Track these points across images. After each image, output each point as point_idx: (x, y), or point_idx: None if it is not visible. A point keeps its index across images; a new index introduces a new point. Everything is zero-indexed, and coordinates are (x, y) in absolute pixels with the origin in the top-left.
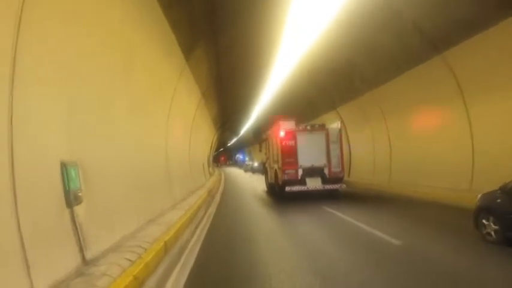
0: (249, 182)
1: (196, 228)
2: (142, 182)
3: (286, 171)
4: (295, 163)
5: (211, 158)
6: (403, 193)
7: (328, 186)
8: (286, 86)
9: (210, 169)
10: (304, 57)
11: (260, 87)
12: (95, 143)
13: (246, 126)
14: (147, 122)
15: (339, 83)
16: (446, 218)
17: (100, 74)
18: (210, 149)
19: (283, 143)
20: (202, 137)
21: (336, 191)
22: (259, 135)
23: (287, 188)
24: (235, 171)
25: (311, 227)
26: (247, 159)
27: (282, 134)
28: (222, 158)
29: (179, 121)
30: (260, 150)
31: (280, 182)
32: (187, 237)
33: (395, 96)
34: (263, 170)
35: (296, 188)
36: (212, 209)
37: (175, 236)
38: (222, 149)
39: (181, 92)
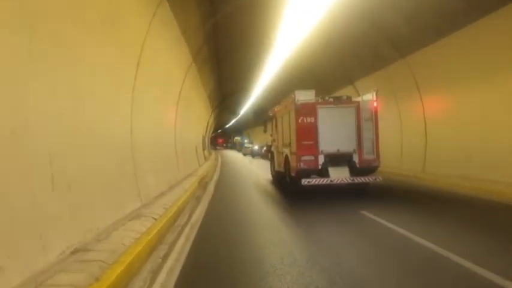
0: (250, 168)
1: (166, 257)
2: (74, 175)
3: (303, 158)
4: (314, 147)
5: (207, 140)
6: (446, 187)
7: (358, 179)
8: (294, 59)
9: (206, 152)
10: (318, 22)
11: (264, 60)
12: None
13: (247, 106)
14: (90, 79)
15: (360, 51)
16: None
17: None
18: (206, 129)
19: (300, 121)
20: (194, 115)
21: (365, 185)
22: (262, 115)
23: (304, 181)
24: (233, 155)
25: (351, 248)
26: (246, 141)
27: (298, 107)
28: (220, 140)
29: (156, 88)
30: (265, 131)
31: (293, 172)
32: None
33: (441, 64)
34: (268, 155)
35: (316, 180)
36: (200, 211)
37: None
38: (219, 131)
39: (157, 40)
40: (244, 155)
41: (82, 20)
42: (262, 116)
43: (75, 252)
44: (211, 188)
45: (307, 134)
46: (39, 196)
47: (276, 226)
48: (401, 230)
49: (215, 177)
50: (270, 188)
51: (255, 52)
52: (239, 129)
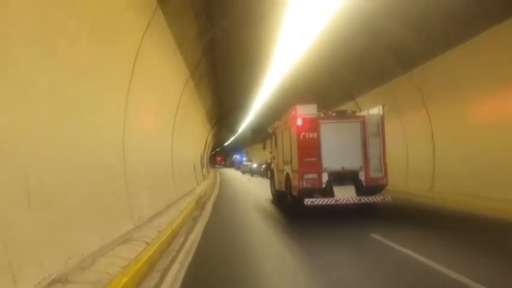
0: (248, 186)
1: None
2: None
3: (306, 176)
4: (318, 164)
5: (206, 158)
6: (458, 207)
7: (366, 199)
8: (292, 75)
9: (204, 170)
10: (316, 38)
11: (262, 76)
12: None
13: (245, 124)
14: (76, 88)
15: (362, 66)
16: None
17: None
18: (204, 147)
19: (302, 136)
20: (192, 132)
21: (371, 205)
22: (260, 132)
23: (306, 201)
24: (232, 173)
25: (365, 281)
26: (244, 159)
27: (299, 122)
28: (219, 159)
29: (152, 103)
30: (264, 148)
31: (295, 191)
32: None
33: (449, 76)
34: (268, 173)
35: (319, 200)
36: (196, 233)
37: None
38: (218, 149)
39: (152, 51)
40: (243, 173)
41: (65, 26)
42: (260, 134)
43: (52, 284)
44: (209, 207)
45: (310, 151)
46: (9, 216)
47: (279, 252)
48: (420, 257)
49: (213, 197)
50: (270, 208)
51: (253, 68)
52: (237, 148)
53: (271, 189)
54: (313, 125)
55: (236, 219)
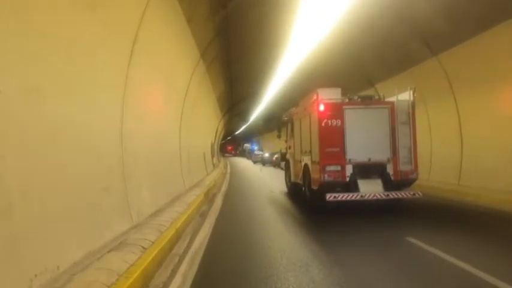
0: (261, 177)
1: None
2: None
3: (327, 168)
4: (341, 155)
5: (216, 147)
6: (496, 205)
7: (394, 194)
8: (309, 60)
9: (215, 160)
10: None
11: (276, 61)
12: None
13: (257, 112)
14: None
15: (383, 50)
16: None
17: None
18: (215, 135)
19: (324, 123)
20: (202, 119)
21: (397, 201)
22: (273, 121)
23: (329, 196)
24: (243, 162)
25: None
26: (256, 148)
27: (321, 108)
28: (229, 148)
29: (155, 85)
30: (279, 137)
31: (315, 185)
32: None
33: (480, 61)
34: (281, 163)
35: (343, 196)
36: (204, 233)
37: None
38: (229, 138)
39: (156, 26)
40: (254, 162)
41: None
42: (272, 123)
43: None
44: (218, 201)
45: (332, 140)
46: None
47: (302, 261)
48: (478, 272)
49: (224, 188)
50: (286, 202)
51: (267, 52)
52: (248, 137)
53: (286, 181)
54: (336, 111)
55: (249, 216)
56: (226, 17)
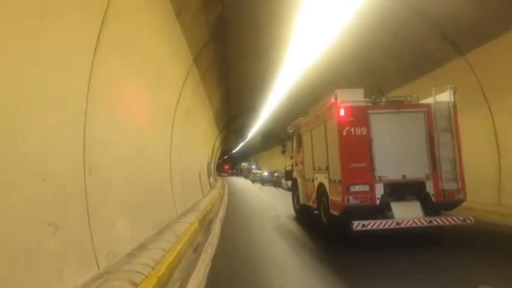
0: (262, 198)
1: None
2: None
3: (352, 189)
4: (368, 172)
5: (213, 166)
6: None
7: (439, 221)
8: (310, 73)
9: (211, 179)
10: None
11: (275, 74)
12: None
13: (255, 129)
14: None
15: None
16: None
17: None
18: (212, 154)
19: (345, 132)
20: (197, 135)
21: (441, 228)
22: (271, 138)
23: (356, 224)
24: (240, 182)
25: None
26: (253, 167)
27: (342, 113)
28: (226, 167)
29: (135, 87)
30: (283, 152)
31: (336, 210)
32: None
33: None
34: (287, 182)
35: (374, 224)
36: (198, 280)
37: None
38: (226, 157)
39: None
40: (253, 182)
41: None
42: (270, 140)
43: None
44: (216, 229)
45: (357, 153)
46: None
47: None
48: None
49: (222, 212)
50: (296, 229)
51: (267, 61)
52: (246, 155)
53: (293, 203)
54: (361, 116)
55: (256, 252)
56: (222, 18)
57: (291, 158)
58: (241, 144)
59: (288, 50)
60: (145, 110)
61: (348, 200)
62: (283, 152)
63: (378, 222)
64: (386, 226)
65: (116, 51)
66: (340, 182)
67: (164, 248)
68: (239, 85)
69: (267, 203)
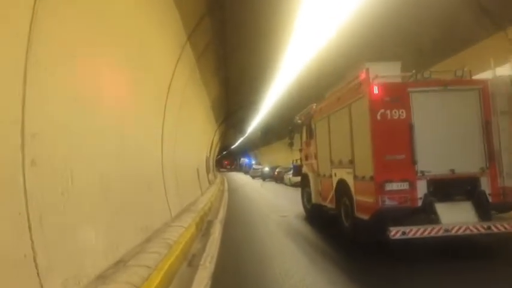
0: (264, 195)
1: None
2: None
3: (388, 187)
4: (408, 166)
5: (212, 162)
6: None
7: (500, 227)
8: (319, 59)
9: (210, 176)
10: None
11: (276, 65)
12: None
13: (255, 123)
14: None
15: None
16: None
17: None
18: (210, 149)
19: (379, 116)
20: (195, 127)
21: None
22: (271, 133)
23: (394, 231)
24: (240, 177)
25: None
26: (253, 162)
27: (376, 90)
28: (225, 162)
29: (112, 55)
30: (291, 145)
31: (365, 213)
32: None
33: None
34: (295, 178)
35: (417, 231)
36: None
37: None
38: (225, 152)
39: None
40: (253, 177)
41: None
42: (270, 135)
43: None
44: (216, 233)
45: (394, 142)
46: None
47: None
48: None
49: (222, 211)
50: (310, 233)
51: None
52: (245, 150)
53: (303, 202)
54: (399, 96)
55: (267, 267)
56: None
57: (300, 151)
58: (240, 140)
59: (294, 32)
60: (126, 91)
61: (383, 202)
62: (291, 145)
63: (422, 228)
64: (433, 233)
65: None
66: (371, 178)
67: (149, 264)
68: (239, 74)
69: (271, 201)
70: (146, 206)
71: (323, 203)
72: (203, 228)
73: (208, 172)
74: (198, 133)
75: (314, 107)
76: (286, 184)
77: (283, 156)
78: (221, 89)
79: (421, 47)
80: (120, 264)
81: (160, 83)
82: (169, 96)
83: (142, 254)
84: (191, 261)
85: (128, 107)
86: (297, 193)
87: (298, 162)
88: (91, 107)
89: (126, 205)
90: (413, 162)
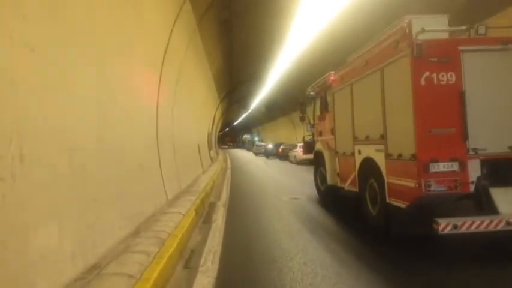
0: (269, 173)
1: None
2: None
3: (433, 168)
4: (458, 142)
5: (214, 138)
6: None
7: None
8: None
9: (212, 153)
10: None
11: (286, 36)
12: None
13: (259, 98)
14: None
15: None
16: None
17: None
18: (212, 124)
19: (424, 80)
20: (195, 100)
21: None
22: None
23: (444, 225)
24: (243, 154)
25: None
26: (256, 139)
27: (419, 49)
28: (228, 139)
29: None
30: (302, 119)
31: (402, 200)
32: None
33: None
34: (313, 158)
35: (471, 224)
36: None
37: None
38: (227, 129)
39: None
40: (256, 154)
41: None
42: (275, 111)
43: None
44: (219, 220)
45: (442, 112)
46: None
47: None
48: None
49: (225, 192)
50: (327, 220)
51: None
52: (248, 127)
53: (316, 183)
54: (448, 55)
55: (283, 265)
56: None
57: (312, 126)
58: (243, 116)
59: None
60: (103, 45)
61: (428, 186)
62: (303, 119)
63: (478, 221)
64: (491, 227)
65: None
66: (412, 157)
67: (132, 272)
68: (244, 44)
69: (278, 180)
70: (136, 190)
71: (342, 185)
72: (204, 214)
73: (210, 149)
74: (199, 107)
75: (332, 75)
76: (291, 162)
77: (286, 134)
78: (224, 59)
79: None
80: (94, 272)
81: (154, 43)
82: (166, 61)
83: (125, 254)
84: (188, 260)
85: (112, 70)
86: (304, 171)
87: (310, 138)
88: (50, 58)
89: (108, 189)
90: (465, 137)
